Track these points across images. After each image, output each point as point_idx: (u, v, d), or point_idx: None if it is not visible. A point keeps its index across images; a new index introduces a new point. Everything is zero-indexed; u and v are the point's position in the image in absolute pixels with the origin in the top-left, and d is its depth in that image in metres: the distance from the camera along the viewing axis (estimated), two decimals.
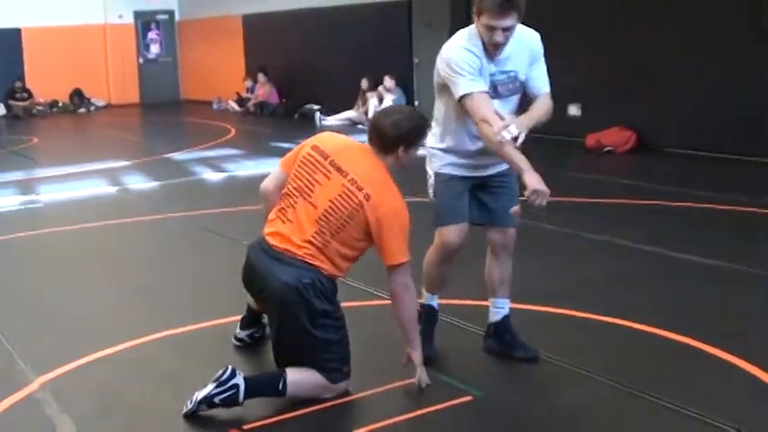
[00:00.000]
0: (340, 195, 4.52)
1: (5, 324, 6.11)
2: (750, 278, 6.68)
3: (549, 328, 5.73)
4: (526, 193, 4.56)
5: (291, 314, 4.46)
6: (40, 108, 23.31)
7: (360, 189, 4.50)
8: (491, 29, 4.66)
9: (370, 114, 15.86)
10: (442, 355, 5.35)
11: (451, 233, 5.01)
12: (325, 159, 4.62)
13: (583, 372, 4.95)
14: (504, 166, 4.98)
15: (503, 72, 4.88)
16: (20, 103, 22.84)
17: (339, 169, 4.57)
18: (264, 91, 21.15)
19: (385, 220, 4.49)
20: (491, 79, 4.85)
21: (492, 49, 4.77)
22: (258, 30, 22.39)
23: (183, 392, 4.78)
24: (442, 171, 5.04)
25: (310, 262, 4.49)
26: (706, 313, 5.95)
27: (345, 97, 17.96)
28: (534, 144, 14.13)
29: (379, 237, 4.51)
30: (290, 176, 4.68)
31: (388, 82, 17.02)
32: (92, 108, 24.19)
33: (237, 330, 5.46)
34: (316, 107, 18.77)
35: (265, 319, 5.12)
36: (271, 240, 4.58)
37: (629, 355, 5.26)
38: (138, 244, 8.83)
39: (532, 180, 4.55)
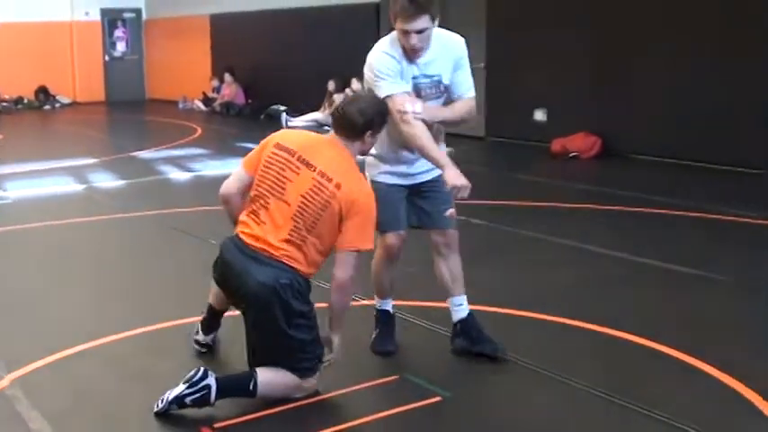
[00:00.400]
0: (311, 189, 4.56)
1: None
2: (718, 284, 6.79)
3: (517, 332, 5.79)
4: (446, 189, 4.76)
5: (268, 314, 4.48)
6: (5, 104, 23.10)
7: (329, 180, 4.56)
8: (405, 33, 4.81)
9: None
10: (411, 357, 5.42)
11: (392, 238, 5.21)
12: (292, 156, 4.65)
13: (552, 375, 5.02)
14: (436, 173, 5.12)
15: (426, 76, 5.02)
16: None
17: (307, 164, 4.62)
18: (231, 91, 21.13)
19: (355, 207, 4.55)
20: (414, 82, 4.99)
21: (411, 53, 4.90)
22: (225, 30, 22.35)
23: (154, 390, 4.80)
24: (378, 180, 5.19)
25: (287, 263, 4.52)
26: (674, 318, 6.04)
27: (312, 99, 17.97)
28: (499, 148, 14.31)
29: (347, 222, 4.56)
30: (257, 178, 4.70)
31: (356, 84, 17.04)
32: (57, 105, 24.04)
33: (200, 336, 5.37)
34: (282, 108, 18.78)
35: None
36: (246, 240, 4.60)
37: (598, 358, 5.33)
38: (107, 242, 8.81)
39: (451, 175, 4.73)
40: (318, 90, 17.81)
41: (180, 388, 4.44)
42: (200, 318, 5.40)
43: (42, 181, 12.00)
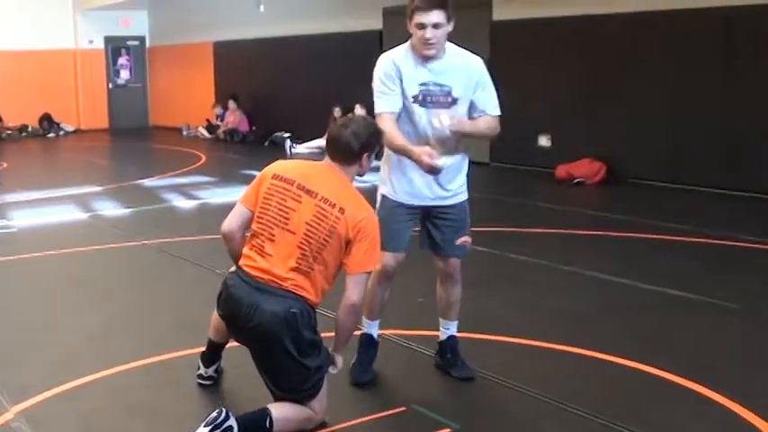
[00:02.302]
0: (315, 216, 4.55)
1: None
2: (723, 310, 6.74)
3: (523, 361, 5.76)
4: (423, 169, 4.91)
5: (280, 345, 4.44)
6: (9, 132, 23.20)
7: (333, 206, 4.56)
8: (421, 27, 4.93)
9: None
10: (419, 387, 5.38)
11: (388, 258, 5.22)
12: (292, 185, 4.64)
13: (560, 405, 4.97)
14: (450, 200, 5.24)
15: (437, 84, 5.09)
16: None
17: (308, 191, 4.61)
18: (234, 118, 21.17)
19: (362, 231, 4.56)
20: (421, 89, 5.07)
21: (424, 48, 4.98)
22: (229, 57, 22.42)
23: (159, 422, 4.81)
24: (387, 196, 5.27)
25: (297, 292, 4.50)
26: (680, 345, 6.00)
27: (316, 125, 17.94)
28: (504, 174, 14.29)
29: (355, 245, 4.57)
30: (258, 212, 4.68)
31: (359, 110, 17.05)
32: (61, 133, 24.13)
33: (202, 370, 5.34)
34: (286, 135, 18.81)
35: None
36: (252, 272, 4.57)
37: (604, 387, 5.29)
38: (112, 271, 8.79)
39: (420, 152, 4.86)
40: (323, 117, 17.82)
41: (203, 431, 4.32)
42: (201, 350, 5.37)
43: (47, 209, 11.99)
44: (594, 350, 5.80)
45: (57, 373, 5.56)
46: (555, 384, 5.26)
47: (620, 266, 7.99)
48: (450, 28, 5.03)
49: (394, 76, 5.05)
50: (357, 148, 4.69)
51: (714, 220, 10.00)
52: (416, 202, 5.21)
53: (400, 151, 5.01)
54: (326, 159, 4.79)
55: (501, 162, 14.98)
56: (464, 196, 5.33)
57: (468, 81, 5.14)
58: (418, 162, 4.88)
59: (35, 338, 6.47)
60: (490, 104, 5.22)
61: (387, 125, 4.98)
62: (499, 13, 14.95)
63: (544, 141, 14.48)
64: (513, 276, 7.93)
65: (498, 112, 5.25)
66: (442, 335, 5.55)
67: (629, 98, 13.02)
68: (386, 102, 5.07)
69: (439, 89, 5.08)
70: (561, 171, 13.27)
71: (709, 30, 11.98)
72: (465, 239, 5.19)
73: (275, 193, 4.65)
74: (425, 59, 5.04)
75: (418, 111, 5.07)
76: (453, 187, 5.25)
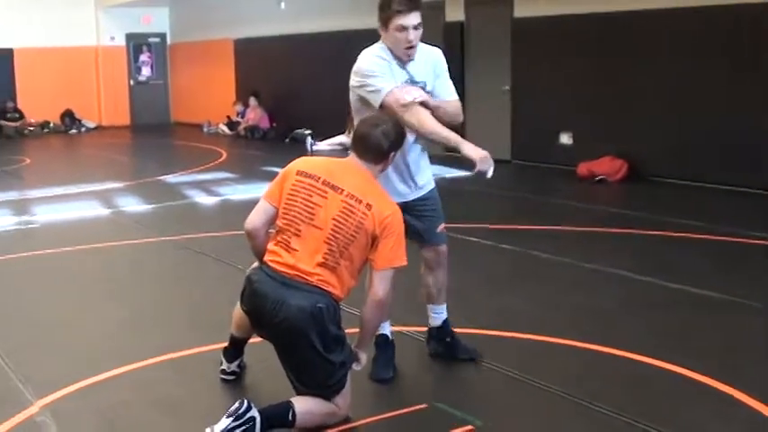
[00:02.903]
0: (341, 212, 4.57)
1: (4, 347, 6.10)
2: (746, 309, 6.71)
3: (546, 358, 5.75)
4: (478, 168, 4.95)
5: (305, 340, 4.45)
6: (32, 129, 23.33)
7: (359, 201, 4.59)
8: (403, 29, 5.06)
9: None
10: (440, 384, 5.40)
11: None
12: (317, 181, 4.66)
13: (581, 402, 4.96)
14: (423, 192, 5.41)
15: (414, 81, 5.21)
16: (11, 124, 22.87)
17: (333, 187, 4.63)
18: (255, 115, 21.21)
19: (388, 227, 4.61)
20: None
21: (405, 52, 5.13)
22: (250, 54, 22.46)
23: (183, 416, 4.84)
24: None
25: (323, 287, 4.52)
26: (703, 344, 5.97)
27: (336, 122, 17.95)
28: (525, 172, 14.28)
29: (382, 241, 4.60)
30: (282, 208, 4.69)
31: None
32: (82, 129, 24.24)
33: (225, 365, 5.36)
34: (307, 132, 18.82)
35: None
36: (278, 268, 4.58)
37: (626, 385, 5.27)
38: (134, 267, 8.82)
39: (469, 150, 4.98)
40: (343, 113, 17.75)
41: (225, 422, 4.32)
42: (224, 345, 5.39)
43: (69, 205, 12.06)
44: (617, 348, 5.78)
45: (80, 368, 5.60)
46: (577, 382, 5.25)
47: (642, 264, 7.97)
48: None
49: (387, 70, 5.14)
50: (386, 147, 4.75)
51: (736, 219, 9.94)
52: (396, 199, 5.16)
53: (434, 135, 5.06)
54: (351, 156, 4.82)
55: (522, 160, 14.96)
56: (433, 184, 5.50)
57: (434, 72, 5.33)
58: (468, 157, 4.97)
59: (58, 333, 6.52)
60: (449, 90, 5.38)
61: (420, 113, 5.04)
62: (520, 10, 14.92)
63: (565, 139, 14.44)
64: (536, 273, 7.92)
65: (457, 97, 5.41)
66: (436, 320, 5.65)
67: (650, 96, 12.97)
68: (388, 80, 5.10)
69: (416, 86, 5.20)
70: (583, 169, 13.23)
71: (732, 27, 11.91)
72: (442, 227, 5.44)
73: (300, 189, 4.66)
74: (404, 61, 5.18)
75: None
76: (424, 181, 5.42)
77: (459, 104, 5.40)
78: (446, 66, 5.40)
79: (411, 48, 5.11)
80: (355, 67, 5.22)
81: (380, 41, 5.22)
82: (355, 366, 4.77)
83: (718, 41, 12.07)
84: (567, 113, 14.26)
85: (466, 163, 5.12)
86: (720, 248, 8.71)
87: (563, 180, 13.35)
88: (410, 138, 5.13)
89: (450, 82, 5.41)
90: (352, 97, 5.29)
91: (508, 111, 15.19)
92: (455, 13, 15.69)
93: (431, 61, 5.32)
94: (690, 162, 12.50)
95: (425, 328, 5.76)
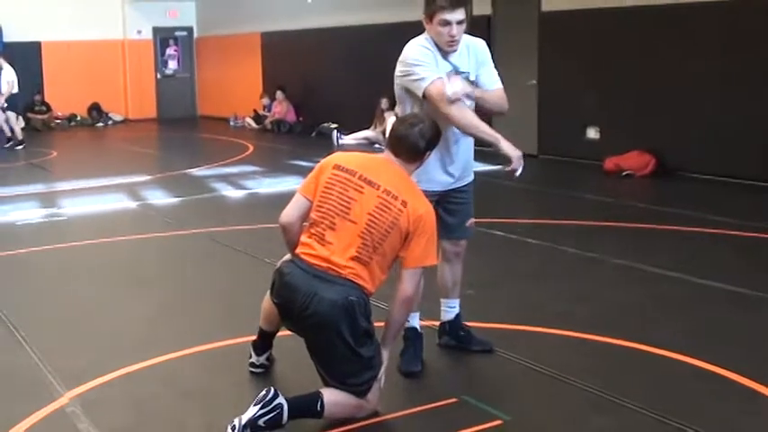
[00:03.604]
0: (377, 207, 4.60)
1: (34, 338, 6.14)
2: None
3: (575, 354, 5.73)
4: (513, 165, 5.09)
5: (336, 333, 4.46)
6: (59, 122, 23.45)
7: (395, 198, 4.62)
8: (446, 23, 5.12)
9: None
10: (469, 378, 5.39)
11: None
12: (353, 176, 4.68)
13: (609, 397, 4.94)
14: (462, 182, 5.46)
15: (458, 72, 5.28)
16: (39, 117, 22.98)
17: (370, 182, 4.66)
18: (282, 109, 21.22)
19: (422, 225, 4.64)
20: None
21: (448, 46, 5.19)
22: (276, 47, 22.48)
23: (212, 408, 4.87)
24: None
25: (355, 280, 4.53)
26: (734, 341, 5.91)
27: (363, 116, 17.99)
28: (552, 166, 14.25)
29: (414, 239, 4.64)
30: (317, 201, 4.71)
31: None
32: (109, 122, 24.35)
33: (254, 358, 5.38)
34: (333, 126, 18.83)
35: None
36: (311, 260, 4.59)
37: (657, 381, 5.23)
38: (163, 259, 8.86)
39: (508, 148, 5.10)
40: (369, 108, 17.82)
41: (252, 410, 4.34)
42: (253, 338, 5.41)
43: (96, 198, 12.12)
44: (645, 344, 5.75)
45: (110, 360, 5.63)
46: (606, 377, 5.23)
47: (670, 260, 7.92)
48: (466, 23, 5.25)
49: (432, 60, 5.19)
50: (423, 147, 4.82)
51: (765, 214, 9.86)
52: (437, 188, 5.29)
53: (475, 130, 5.13)
54: (387, 153, 4.85)
55: (549, 154, 14.90)
56: (473, 177, 5.53)
57: (476, 61, 5.38)
58: (506, 155, 5.07)
59: (88, 325, 6.55)
60: (492, 78, 5.42)
61: (462, 109, 5.10)
62: (548, 4, 14.87)
63: (593, 133, 14.38)
64: (563, 269, 7.89)
65: (501, 86, 5.44)
66: (449, 314, 5.71)
67: (678, 90, 12.89)
68: (432, 70, 5.14)
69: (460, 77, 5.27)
70: (610, 163, 13.17)
71: (760, 21, 11.83)
72: (472, 222, 5.50)
73: (336, 183, 4.68)
74: (447, 53, 5.24)
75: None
76: (467, 173, 5.47)
77: (502, 93, 5.43)
78: (489, 56, 5.45)
79: (453, 42, 5.17)
80: (401, 57, 5.27)
81: (425, 33, 5.28)
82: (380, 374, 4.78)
83: (748, 35, 11.98)
84: (594, 108, 14.20)
85: (501, 159, 5.18)
86: (752, 244, 8.64)
87: (590, 175, 13.29)
88: (456, 129, 5.20)
89: (495, 72, 5.45)
90: (396, 88, 5.34)
91: (535, 105, 15.13)
92: (482, 7, 15.63)
93: (474, 52, 5.37)
94: (719, 157, 12.41)
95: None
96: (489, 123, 5.24)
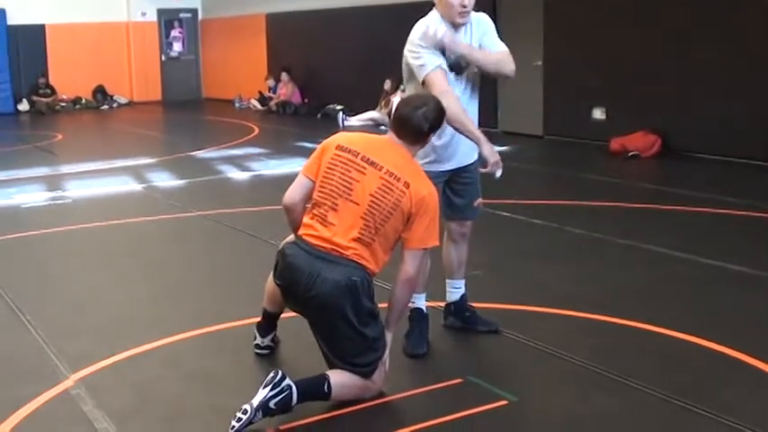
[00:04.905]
0: (380, 188, 4.59)
1: (39, 320, 6.14)
2: None
3: (580, 334, 5.71)
4: (489, 167, 5.11)
5: (340, 313, 4.46)
6: (64, 104, 23.42)
7: (398, 179, 4.61)
8: None
9: None
10: (475, 359, 5.39)
11: None
12: (356, 156, 4.67)
13: (616, 377, 4.93)
14: (469, 160, 5.44)
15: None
16: (43, 100, 22.96)
17: (372, 163, 4.64)
18: (287, 90, 21.17)
19: (424, 206, 4.63)
20: (456, 56, 5.25)
21: (460, 17, 5.22)
22: (281, 29, 22.41)
23: (217, 390, 4.87)
24: (426, 169, 5.26)
25: (358, 260, 4.53)
26: (742, 322, 5.89)
27: (368, 98, 17.95)
28: (558, 147, 14.23)
29: (417, 220, 4.63)
30: (319, 182, 4.70)
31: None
32: (114, 105, 24.30)
33: (259, 340, 5.36)
34: (338, 107, 18.80)
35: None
36: (313, 241, 4.58)
37: (664, 362, 5.22)
38: (168, 241, 8.85)
39: (488, 151, 5.10)
40: (374, 89, 17.78)
41: (262, 393, 4.32)
42: (257, 320, 5.40)
43: (101, 181, 12.10)
44: (652, 324, 5.73)
45: (115, 342, 5.63)
46: (612, 358, 5.22)
47: (677, 240, 7.89)
48: None
49: (433, 43, 5.18)
50: (427, 128, 4.79)
51: None
52: (440, 168, 5.33)
53: (463, 129, 5.13)
54: (390, 135, 4.82)
55: (555, 135, 14.86)
56: (477, 155, 5.46)
57: (480, 33, 5.39)
58: (484, 156, 5.12)
59: (93, 308, 6.54)
60: (496, 43, 5.41)
61: (452, 103, 5.05)
62: None
63: (598, 114, 14.33)
64: (570, 249, 7.87)
65: (505, 49, 5.41)
66: (455, 294, 5.73)
67: (683, 71, 12.83)
68: (433, 56, 5.16)
69: None
70: (615, 144, 13.13)
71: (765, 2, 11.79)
72: (480, 201, 5.50)
73: (339, 163, 4.66)
74: (458, 26, 5.26)
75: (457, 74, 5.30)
76: (474, 148, 5.40)
77: (506, 56, 5.38)
78: (493, 26, 5.47)
79: (465, 12, 5.20)
80: (410, 37, 5.27)
81: (433, 10, 5.30)
82: (384, 357, 4.77)
83: (754, 15, 11.92)
84: (600, 88, 14.15)
85: (481, 159, 5.23)
86: (759, 225, 8.61)
87: (595, 155, 13.25)
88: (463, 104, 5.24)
89: (499, 39, 5.45)
90: (404, 65, 5.34)
91: (540, 86, 15.08)
92: None
93: (475, 24, 5.37)
94: (724, 137, 12.36)
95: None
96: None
